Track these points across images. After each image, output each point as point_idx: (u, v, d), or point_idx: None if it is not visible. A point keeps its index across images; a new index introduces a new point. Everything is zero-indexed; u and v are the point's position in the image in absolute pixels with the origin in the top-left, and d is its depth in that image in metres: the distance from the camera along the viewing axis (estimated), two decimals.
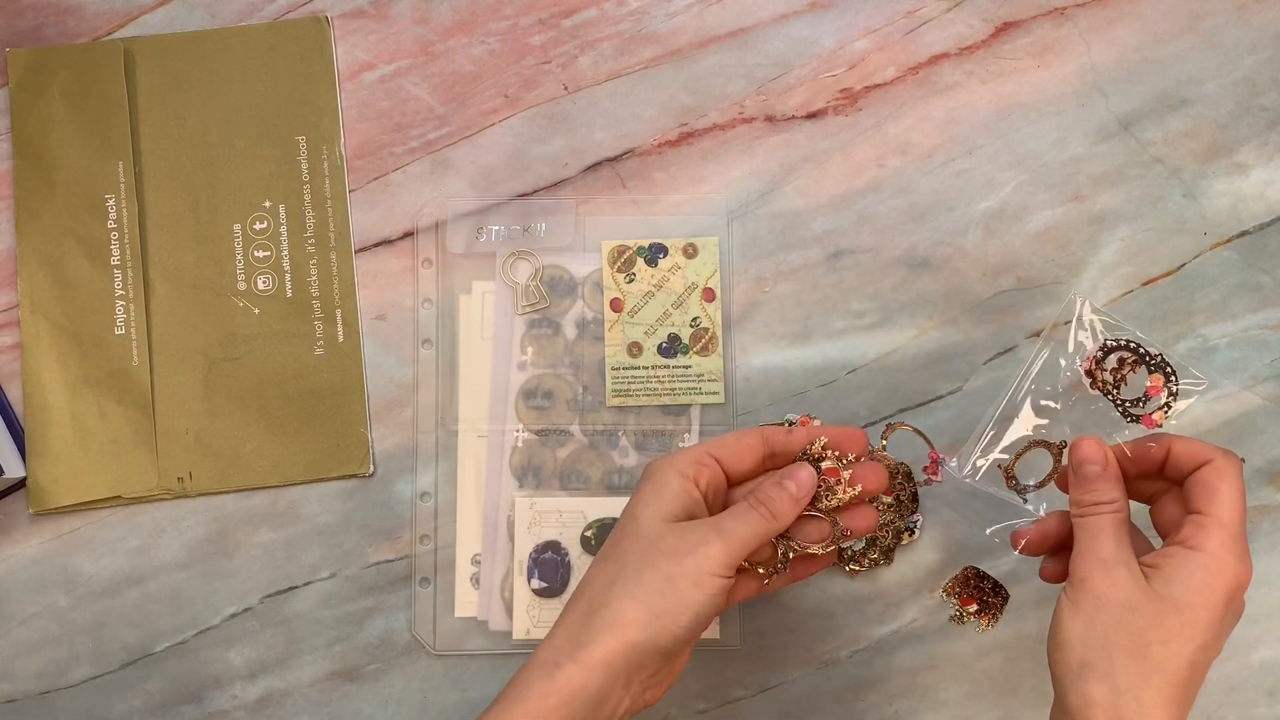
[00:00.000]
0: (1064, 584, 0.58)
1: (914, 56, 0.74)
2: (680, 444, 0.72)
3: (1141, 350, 0.64)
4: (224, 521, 0.73)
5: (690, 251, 0.73)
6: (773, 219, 0.73)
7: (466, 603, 0.72)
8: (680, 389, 0.72)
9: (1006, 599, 0.71)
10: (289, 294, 0.73)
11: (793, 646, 0.72)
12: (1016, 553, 0.63)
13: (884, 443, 0.71)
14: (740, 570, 0.60)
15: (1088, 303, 0.65)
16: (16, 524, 0.73)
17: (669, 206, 0.73)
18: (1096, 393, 0.65)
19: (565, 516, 0.72)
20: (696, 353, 0.72)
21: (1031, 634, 0.71)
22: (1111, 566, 0.57)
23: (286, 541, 0.73)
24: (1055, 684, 0.57)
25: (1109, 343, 0.65)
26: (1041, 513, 0.65)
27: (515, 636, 0.71)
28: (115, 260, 0.73)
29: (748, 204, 0.73)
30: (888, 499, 0.70)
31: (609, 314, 0.73)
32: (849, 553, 0.71)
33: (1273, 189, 0.73)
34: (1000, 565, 0.72)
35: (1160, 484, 0.61)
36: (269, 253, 0.74)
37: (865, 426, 0.72)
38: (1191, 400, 0.64)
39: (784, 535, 0.61)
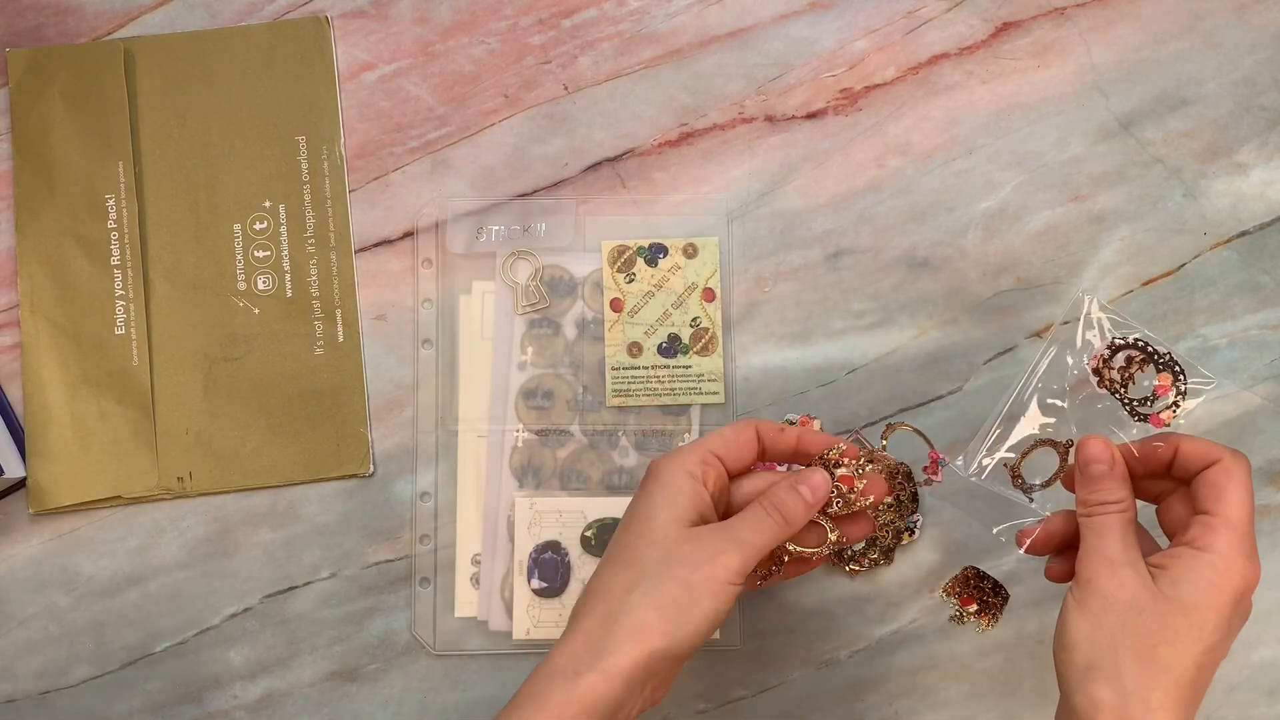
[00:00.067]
0: (1070, 584, 0.58)
1: (914, 56, 0.74)
2: (680, 445, 0.72)
3: (1150, 349, 0.64)
4: (224, 521, 0.73)
5: (690, 251, 0.73)
6: (773, 219, 0.73)
7: (466, 603, 0.72)
8: (680, 389, 0.72)
9: (1006, 599, 0.71)
10: (289, 294, 0.73)
11: (793, 646, 0.72)
12: (1022, 552, 0.63)
13: (884, 443, 0.71)
14: None
15: (1095, 300, 0.65)
16: (16, 524, 0.73)
17: (669, 206, 0.73)
18: (1104, 391, 0.65)
19: (565, 516, 0.72)
20: (696, 353, 0.72)
21: (1031, 634, 0.71)
22: (1118, 567, 0.56)
23: (286, 541, 0.73)
24: (1061, 685, 0.57)
25: (1117, 341, 0.64)
26: (1047, 512, 0.64)
27: (515, 636, 0.71)
28: (115, 260, 0.73)
29: (748, 204, 0.73)
30: (888, 499, 0.70)
31: (609, 314, 0.73)
32: (849, 553, 0.71)
33: (1273, 189, 0.73)
34: (1000, 565, 0.72)
35: (1167, 483, 0.61)
36: (269, 253, 0.74)
37: (865, 427, 0.72)
38: (1200, 399, 0.64)
39: None
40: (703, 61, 0.74)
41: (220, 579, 0.73)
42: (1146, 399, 0.64)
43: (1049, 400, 0.66)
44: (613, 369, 0.72)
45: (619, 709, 0.56)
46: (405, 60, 0.75)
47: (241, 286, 0.74)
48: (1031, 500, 0.65)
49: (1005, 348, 0.72)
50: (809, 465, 0.63)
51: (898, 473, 0.71)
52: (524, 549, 0.72)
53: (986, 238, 0.73)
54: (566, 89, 0.74)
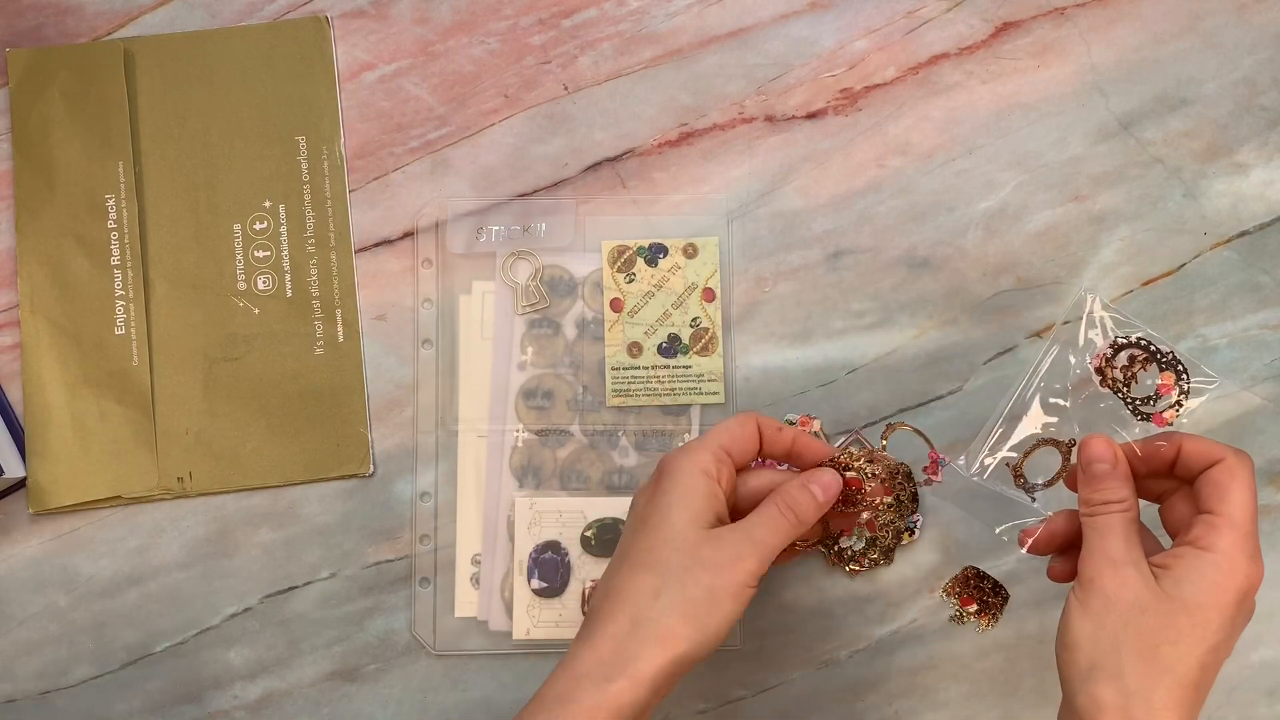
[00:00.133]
0: (1072, 584, 0.58)
1: (914, 56, 0.74)
2: (680, 444, 0.72)
3: (1153, 348, 0.64)
4: (224, 521, 0.73)
5: (690, 251, 0.73)
6: (773, 219, 0.73)
7: (466, 603, 0.72)
8: (680, 389, 0.72)
9: (1006, 599, 0.71)
10: (289, 294, 0.73)
11: (793, 646, 0.72)
12: (1024, 552, 0.63)
13: (884, 443, 0.71)
14: None
15: (1098, 299, 0.65)
16: (16, 524, 0.73)
17: (669, 206, 0.73)
18: (1106, 390, 0.65)
19: (565, 516, 0.72)
20: (696, 353, 0.72)
21: (1031, 634, 0.71)
22: (1121, 566, 0.56)
23: (286, 541, 0.73)
24: (1063, 685, 0.57)
25: (1119, 340, 0.64)
26: (1049, 512, 0.64)
27: (515, 637, 0.71)
28: (115, 260, 0.73)
29: (748, 204, 0.73)
30: (888, 499, 0.70)
31: (609, 314, 0.73)
32: (849, 553, 0.71)
33: (1273, 189, 0.73)
34: (1000, 565, 0.72)
35: (1170, 483, 0.61)
36: (269, 253, 0.74)
37: (865, 427, 0.72)
38: (1203, 399, 0.64)
39: None
40: (703, 61, 0.74)
41: (220, 579, 0.73)
42: (1149, 398, 0.64)
43: (1051, 399, 0.66)
44: (613, 369, 0.72)
45: (643, 712, 0.57)
46: (405, 60, 0.75)
47: (241, 286, 0.74)
48: (1034, 500, 0.65)
49: (1005, 348, 0.72)
50: (803, 468, 0.64)
51: (898, 473, 0.71)
52: (524, 549, 0.72)
53: (986, 238, 0.73)
54: (566, 89, 0.74)
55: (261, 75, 0.74)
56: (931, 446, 0.71)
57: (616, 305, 0.73)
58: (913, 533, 0.71)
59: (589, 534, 0.72)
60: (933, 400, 0.72)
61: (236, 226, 0.74)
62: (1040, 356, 0.66)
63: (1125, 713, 0.54)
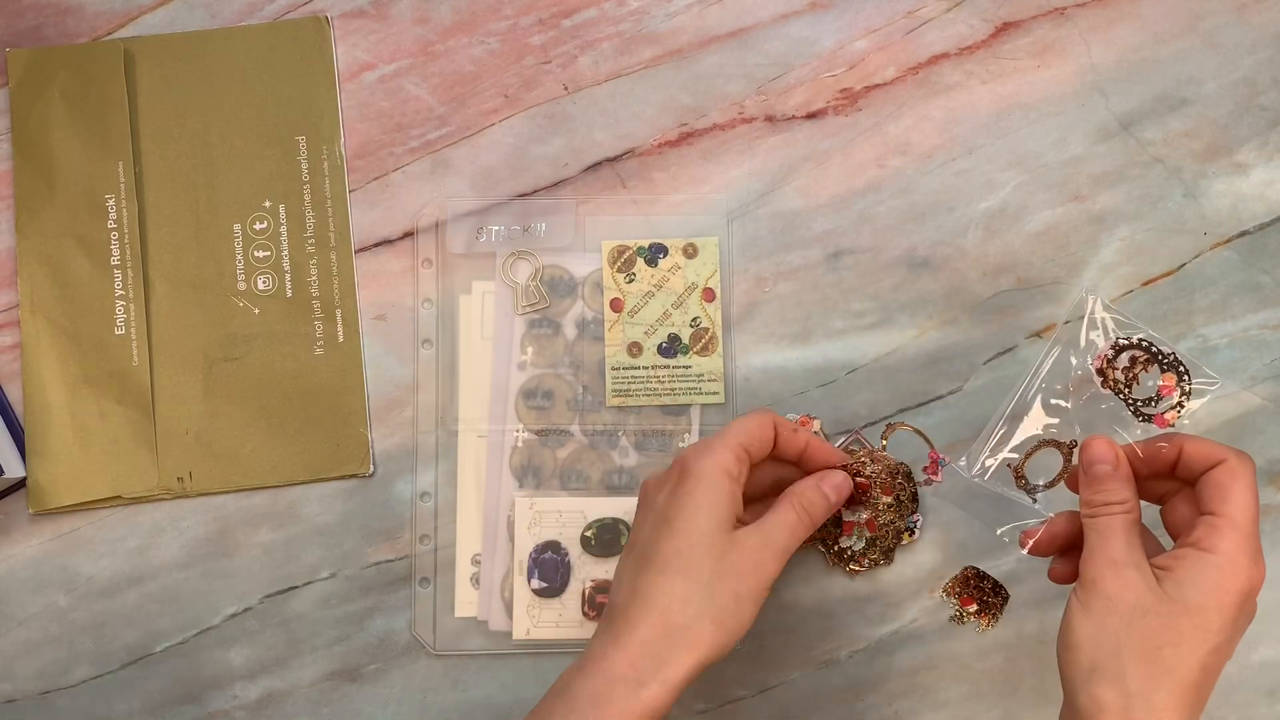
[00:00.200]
0: (1073, 585, 0.58)
1: (914, 56, 0.74)
2: (680, 444, 0.72)
3: (1154, 349, 0.64)
4: (224, 521, 0.73)
5: (690, 251, 0.73)
6: (773, 219, 0.73)
7: (466, 603, 0.72)
8: (680, 389, 0.72)
9: (1006, 599, 0.71)
10: (289, 294, 0.73)
11: (793, 646, 0.72)
12: (1025, 553, 0.63)
13: (884, 443, 0.71)
14: None
15: (1100, 300, 0.65)
16: (16, 524, 0.73)
17: (669, 206, 0.73)
18: (1108, 391, 0.65)
19: (565, 516, 0.72)
20: (696, 353, 0.72)
21: (1031, 634, 0.71)
22: (1122, 568, 0.56)
23: (286, 541, 0.73)
24: (1065, 686, 0.57)
25: (1121, 341, 0.64)
26: (1050, 513, 0.64)
27: (515, 637, 0.71)
28: (115, 260, 0.73)
29: (748, 204, 0.73)
30: (888, 499, 0.70)
31: (609, 314, 0.73)
32: (849, 553, 0.71)
33: (1273, 189, 0.73)
34: (1000, 565, 0.72)
35: (1172, 484, 0.61)
36: (269, 253, 0.74)
37: (865, 427, 0.72)
38: (1205, 400, 0.64)
39: None
40: (703, 61, 0.74)
41: (220, 579, 0.73)
42: (1151, 399, 0.64)
43: (1053, 401, 0.66)
44: (613, 369, 0.72)
45: (667, 713, 0.58)
46: (405, 60, 0.75)
47: (241, 286, 0.74)
48: (1035, 501, 0.65)
49: (1005, 348, 0.72)
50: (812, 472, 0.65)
51: (898, 473, 0.71)
52: (524, 549, 0.72)
53: (986, 238, 0.73)
54: (566, 89, 0.74)
55: (261, 75, 0.74)
56: (931, 446, 0.71)
57: (616, 305, 0.73)
58: (913, 533, 0.71)
59: (589, 534, 0.72)
60: (933, 400, 0.72)
61: (236, 226, 0.74)
62: (1041, 357, 0.66)
63: (1127, 714, 0.54)
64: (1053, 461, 0.65)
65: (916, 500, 0.72)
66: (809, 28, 0.74)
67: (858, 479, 0.65)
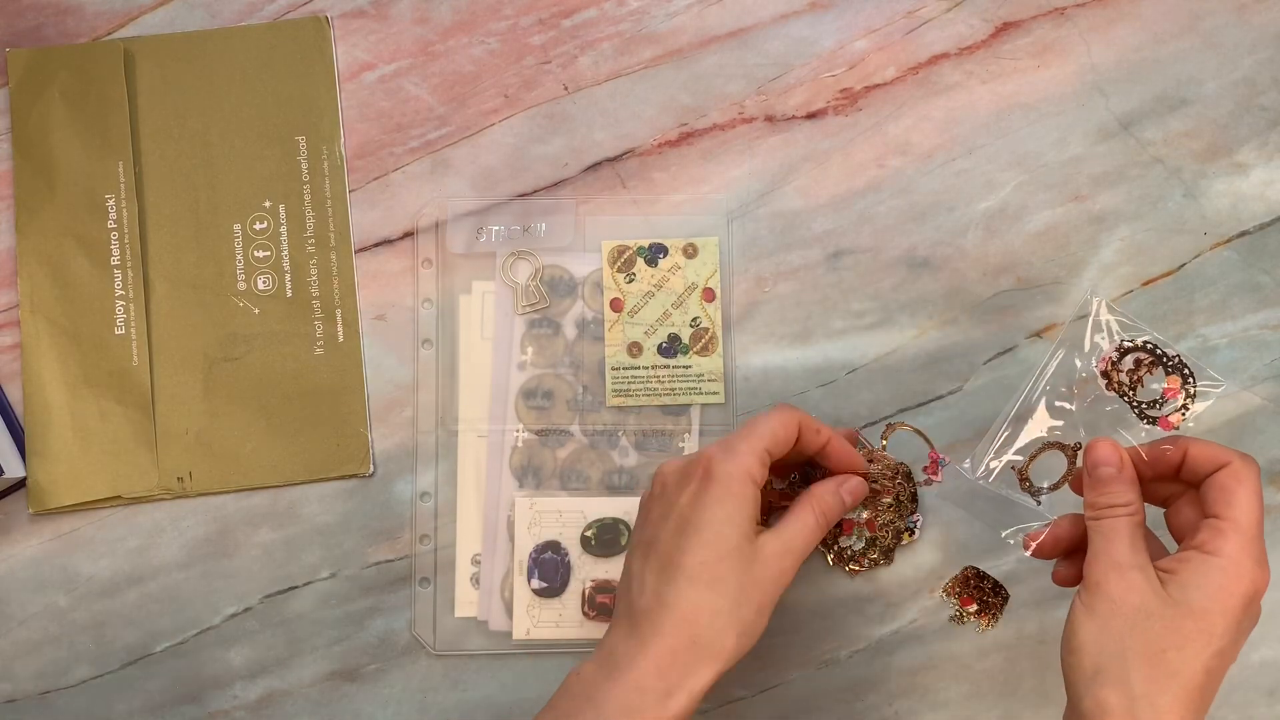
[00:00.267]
0: (1077, 588, 0.58)
1: (914, 56, 0.74)
2: (680, 445, 0.72)
3: (1159, 351, 0.64)
4: (224, 521, 0.73)
5: (690, 251, 0.73)
6: (773, 219, 0.73)
7: (466, 603, 0.72)
8: (680, 389, 0.72)
9: (1006, 599, 0.71)
10: (289, 294, 0.73)
11: (793, 646, 0.72)
12: (1029, 555, 0.62)
13: (884, 443, 0.71)
14: None
15: (1104, 302, 0.65)
16: (16, 524, 0.73)
17: (669, 206, 0.73)
18: (1112, 394, 0.65)
19: (565, 516, 0.72)
20: (696, 353, 0.72)
21: (1031, 634, 0.71)
22: (1126, 570, 0.56)
23: (286, 541, 0.73)
24: (1068, 689, 0.57)
25: (1125, 343, 0.64)
26: (1053, 515, 0.64)
27: (515, 637, 0.71)
28: (115, 260, 0.73)
29: (748, 204, 0.73)
30: (887, 499, 0.70)
31: (609, 314, 0.73)
32: (849, 553, 0.71)
33: (1273, 189, 0.73)
34: (1000, 565, 0.72)
35: (1176, 487, 0.61)
36: (269, 253, 0.74)
37: (865, 427, 0.72)
38: (1210, 402, 0.63)
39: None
40: (703, 61, 0.74)
41: (220, 579, 0.73)
42: (1155, 401, 0.64)
43: (1057, 403, 0.66)
44: (613, 369, 0.72)
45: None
46: (405, 60, 0.75)
47: (241, 286, 0.74)
48: (1039, 503, 0.65)
49: (1005, 348, 0.72)
50: (831, 472, 0.66)
51: (898, 473, 0.71)
52: (524, 549, 0.72)
53: (986, 238, 0.73)
54: (566, 89, 0.74)
55: (261, 75, 0.74)
56: (931, 446, 0.71)
57: (616, 305, 0.73)
58: (913, 533, 0.71)
59: (589, 534, 0.72)
60: (933, 400, 0.72)
61: (236, 226, 0.74)
62: (1046, 359, 0.66)
63: (1131, 717, 0.54)
64: (1057, 464, 0.65)
65: (916, 500, 0.72)
66: (809, 28, 0.74)
67: (874, 485, 0.65)
